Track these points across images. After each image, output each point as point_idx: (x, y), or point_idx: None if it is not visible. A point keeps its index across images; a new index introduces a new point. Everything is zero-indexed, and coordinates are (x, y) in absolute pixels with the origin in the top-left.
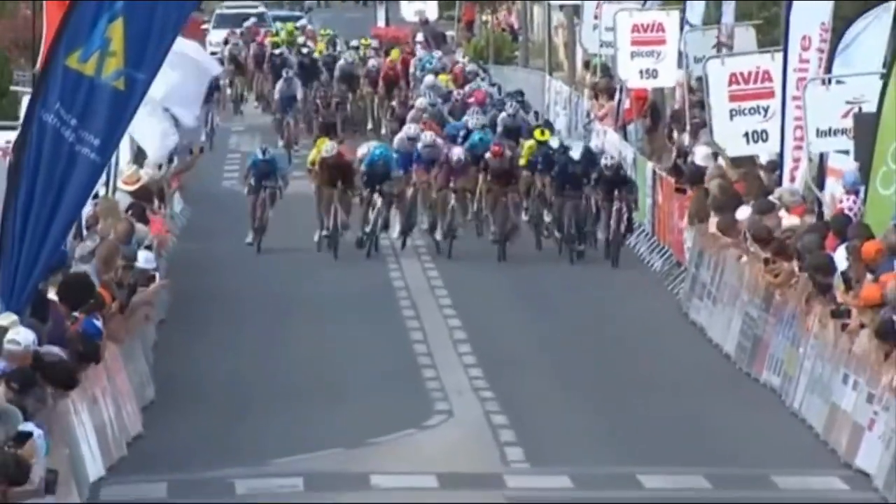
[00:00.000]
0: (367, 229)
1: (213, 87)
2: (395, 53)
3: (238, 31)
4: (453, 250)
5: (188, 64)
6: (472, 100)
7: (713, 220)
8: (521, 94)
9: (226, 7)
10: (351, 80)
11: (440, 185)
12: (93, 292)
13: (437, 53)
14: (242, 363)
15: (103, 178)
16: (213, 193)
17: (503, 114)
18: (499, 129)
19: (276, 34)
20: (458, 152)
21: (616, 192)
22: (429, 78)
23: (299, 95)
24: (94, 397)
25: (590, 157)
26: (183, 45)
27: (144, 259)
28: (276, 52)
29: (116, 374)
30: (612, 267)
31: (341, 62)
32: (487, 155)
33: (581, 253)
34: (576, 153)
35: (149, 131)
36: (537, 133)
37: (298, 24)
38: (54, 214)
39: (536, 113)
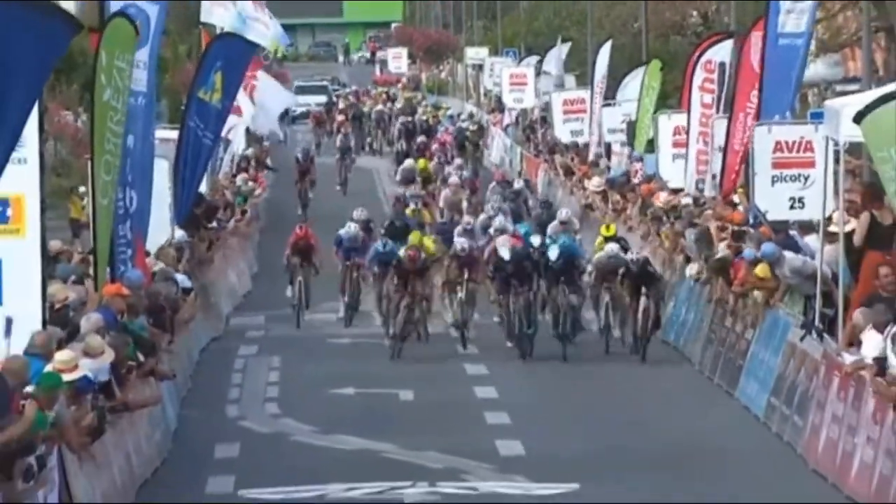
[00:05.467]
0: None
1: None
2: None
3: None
4: None
5: (272, 97)
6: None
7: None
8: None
9: (302, 80)
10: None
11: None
12: (217, 209)
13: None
14: None
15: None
16: (288, 165)
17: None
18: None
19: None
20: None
21: (644, 289)
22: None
23: (352, 144)
24: (227, 272)
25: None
26: (272, 87)
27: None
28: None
29: (238, 258)
30: (641, 362)
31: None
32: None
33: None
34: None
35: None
36: (603, 230)
37: (347, 91)
38: (195, 172)
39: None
